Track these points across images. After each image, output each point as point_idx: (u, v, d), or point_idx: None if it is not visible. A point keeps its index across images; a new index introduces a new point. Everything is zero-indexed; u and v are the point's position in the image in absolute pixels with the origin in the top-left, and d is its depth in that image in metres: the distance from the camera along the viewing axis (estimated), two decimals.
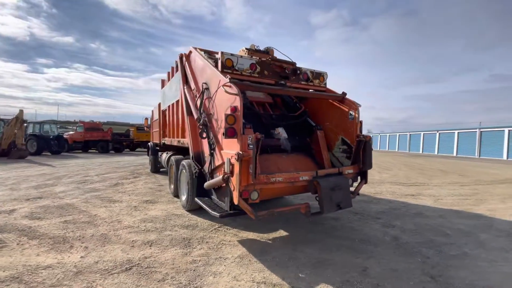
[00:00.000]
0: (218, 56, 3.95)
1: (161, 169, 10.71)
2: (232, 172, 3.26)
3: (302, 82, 4.66)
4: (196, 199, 4.32)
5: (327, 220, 4.73)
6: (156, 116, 9.33)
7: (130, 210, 5.18)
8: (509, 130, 24.60)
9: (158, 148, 10.02)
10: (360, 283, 2.68)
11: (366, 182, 4.37)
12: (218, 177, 3.46)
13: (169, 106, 6.90)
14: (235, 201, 3.12)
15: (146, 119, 12.27)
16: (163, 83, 7.96)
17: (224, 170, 3.41)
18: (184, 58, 5.46)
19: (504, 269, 3.06)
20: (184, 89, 5.20)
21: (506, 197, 7.07)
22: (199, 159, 4.61)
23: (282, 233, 4.08)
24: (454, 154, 31.93)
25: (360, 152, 4.18)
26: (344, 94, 4.63)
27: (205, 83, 4.30)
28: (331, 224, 4.53)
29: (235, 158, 3.05)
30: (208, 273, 2.85)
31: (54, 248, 3.40)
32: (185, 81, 5.34)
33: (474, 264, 3.17)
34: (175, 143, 6.22)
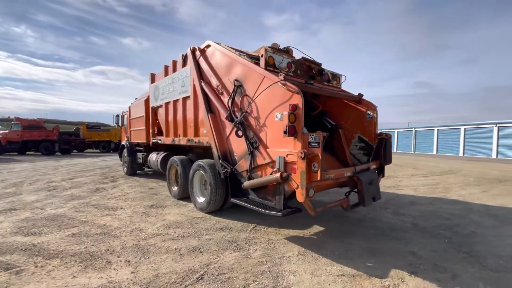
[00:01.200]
0: (262, 53, 3.86)
1: (138, 171, 9.85)
2: (289, 170, 3.28)
3: (325, 83, 4.87)
4: (232, 199, 4.15)
5: (345, 214, 5.04)
6: (138, 113, 8.50)
7: (142, 217, 4.69)
8: (437, 129, 29.33)
9: (139, 148, 9.18)
10: (421, 265, 2.99)
11: (383, 176, 4.81)
12: (272, 176, 3.42)
13: (168, 103, 6.39)
14: (300, 199, 3.14)
15: (118, 116, 11.03)
16: (153, 77, 7.32)
17: (277, 169, 3.39)
18: (197, 53, 5.16)
19: (509, 241, 3.75)
20: (201, 85, 4.92)
21: (462, 185, 8.50)
22: (226, 158, 4.45)
23: (318, 228, 4.22)
24: (395, 150, 36.57)
25: (381, 149, 4.57)
26: (361, 95, 4.98)
27: (238, 80, 4.16)
28: (354, 216, 4.86)
29: (301, 156, 3.07)
30: (285, 272, 2.82)
31: (88, 266, 2.92)
32: (200, 76, 5.05)
33: (486, 239, 3.81)
34: (182, 142, 5.80)
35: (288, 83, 3.34)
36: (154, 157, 7.42)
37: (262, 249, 3.37)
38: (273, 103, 3.57)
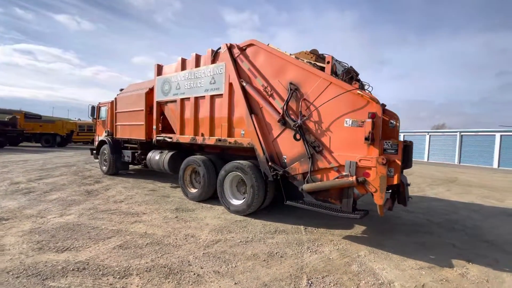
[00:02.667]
0: (328, 60, 3.97)
1: (120, 171, 8.84)
2: (361, 175, 3.49)
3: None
4: (289, 202, 4.15)
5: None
6: (131, 107, 7.63)
7: (179, 222, 4.32)
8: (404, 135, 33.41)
9: (128, 145, 8.25)
10: (468, 254, 3.52)
11: None
12: (344, 179, 3.57)
13: (185, 99, 5.94)
14: (379, 202, 3.38)
15: (94, 107, 9.55)
16: (160, 69, 6.68)
17: (348, 173, 3.57)
18: (235, 50, 4.95)
19: (505, 229, 4.65)
20: (241, 84, 4.76)
21: (429, 184, 10.00)
22: (272, 161, 4.42)
23: (359, 227, 4.53)
24: None
25: (404, 155, 5.14)
26: (384, 105, 5.50)
27: (293, 84, 4.18)
28: (377, 215, 5.33)
29: (382, 163, 3.30)
30: (375, 270, 3.01)
31: (180, 281, 2.64)
32: (238, 75, 4.88)
33: (488, 230, 4.65)
34: (208, 142, 5.45)
35: (363, 92, 3.55)
36: (158, 156, 6.79)
37: (335, 250, 3.51)
38: (342, 109, 3.73)
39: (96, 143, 9.75)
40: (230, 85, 5.03)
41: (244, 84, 4.77)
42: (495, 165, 19.10)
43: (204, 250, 3.35)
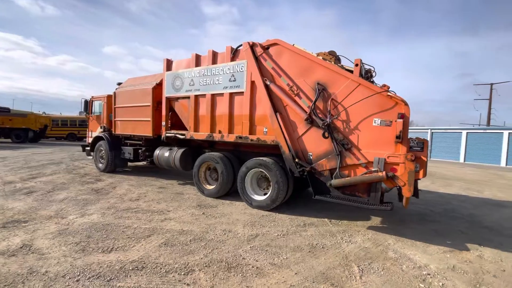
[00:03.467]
0: (357, 62, 4.21)
1: (117, 168, 8.50)
2: (389, 170, 3.81)
3: None
4: (317, 196, 4.37)
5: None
6: (134, 101, 7.34)
7: (208, 219, 4.37)
8: None
9: (130, 141, 7.96)
10: (476, 238, 4.00)
11: None
12: (374, 175, 3.86)
13: (200, 95, 5.88)
14: (408, 195, 3.71)
15: (87, 101, 8.97)
16: (169, 64, 6.52)
17: (377, 168, 3.87)
18: (258, 49, 5.02)
19: (495, 216, 5.30)
20: (265, 83, 4.87)
21: None
22: (298, 157, 4.61)
23: (376, 218, 4.88)
24: None
25: None
26: None
27: (321, 84, 4.38)
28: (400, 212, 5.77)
29: (411, 159, 3.63)
30: (409, 255, 3.34)
31: (248, 276, 2.74)
32: (261, 74, 4.97)
33: (483, 217, 5.26)
34: (227, 139, 5.47)
35: (393, 93, 3.85)
36: (167, 153, 6.66)
37: (367, 240, 3.80)
38: (370, 109, 4.00)
39: (89, 139, 9.27)
40: (252, 83, 5.11)
41: (268, 82, 4.88)
42: (462, 159, 21.06)
43: (249, 244, 3.46)
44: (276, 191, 4.82)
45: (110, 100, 8.41)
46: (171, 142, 6.84)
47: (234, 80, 5.37)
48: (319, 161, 4.43)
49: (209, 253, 3.16)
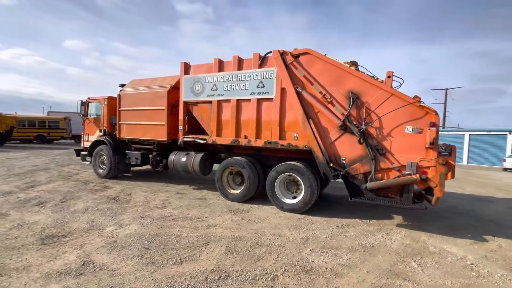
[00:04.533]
0: (389, 74, 4.57)
1: (121, 174, 8.09)
2: (420, 173, 4.22)
3: None
4: (354, 199, 4.64)
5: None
6: (144, 104, 7.04)
7: (250, 224, 4.44)
8: None
9: (137, 146, 7.61)
10: (488, 231, 4.57)
11: None
12: (409, 177, 4.23)
13: (223, 100, 5.87)
14: (439, 194, 4.13)
15: (83, 102, 8.28)
16: (187, 68, 6.39)
17: (410, 172, 4.26)
18: (288, 57, 5.18)
19: (491, 211, 6.05)
20: (297, 90, 5.05)
21: None
22: (331, 162, 4.87)
23: (397, 217, 5.29)
24: None
25: None
26: None
27: (354, 93, 4.69)
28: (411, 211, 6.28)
29: (442, 163, 4.07)
30: (447, 249, 3.75)
31: (342, 276, 2.90)
32: (292, 81, 5.15)
33: (482, 212, 5.97)
34: (255, 144, 5.53)
35: (424, 104, 4.26)
36: (184, 158, 6.51)
37: (404, 237, 4.16)
38: (402, 118, 4.39)
39: (84, 143, 8.66)
40: (283, 89, 5.26)
41: (299, 90, 5.07)
42: None
43: (306, 247, 3.62)
44: (309, 194, 5.03)
45: (112, 102, 7.98)
46: (187, 147, 6.71)
47: (263, 87, 5.48)
48: (353, 165, 4.73)
49: (277, 258, 3.26)
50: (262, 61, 5.53)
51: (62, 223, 4.13)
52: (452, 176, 4.21)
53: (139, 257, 3.13)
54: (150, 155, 7.29)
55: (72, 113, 25.24)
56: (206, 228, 4.15)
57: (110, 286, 2.56)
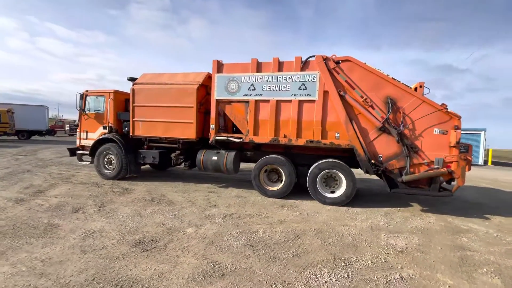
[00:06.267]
0: (421, 84, 5.38)
1: (129, 174, 7.51)
2: (445, 167, 5.18)
3: None
4: (393, 190, 5.36)
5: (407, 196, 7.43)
6: (171, 102, 6.59)
7: (313, 218, 4.83)
8: None
9: (156, 145, 7.16)
10: (493, 212, 5.81)
11: None
12: (438, 170, 5.12)
13: (261, 100, 6.00)
14: (461, 184, 5.12)
15: (82, 95, 7.17)
16: (220, 67, 6.29)
17: (437, 166, 5.17)
18: (331, 63, 5.63)
19: (477, 197, 7.54)
20: (339, 94, 5.55)
21: None
22: (372, 159, 5.53)
23: (418, 206, 6.18)
24: None
25: None
26: None
27: (392, 99, 5.40)
28: (418, 198, 7.33)
29: (464, 159, 5.05)
30: (475, 227, 4.72)
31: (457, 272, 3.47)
32: (335, 85, 5.63)
33: (471, 198, 7.41)
34: (296, 143, 5.82)
35: (449, 110, 5.19)
36: (216, 157, 6.45)
37: (437, 219, 5.05)
38: (431, 121, 5.26)
39: (81, 141, 7.73)
40: (325, 92, 5.70)
41: (342, 93, 5.59)
42: None
43: (378, 233, 4.16)
44: (351, 188, 5.63)
45: (119, 96, 7.36)
46: (217, 146, 6.66)
47: (305, 89, 5.83)
48: (390, 162, 5.47)
49: (368, 244, 3.72)
50: (304, 64, 5.87)
51: (133, 229, 3.87)
52: (469, 169, 5.26)
53: (256, 254, 3.24)
54: (172, 154, 6.98)
55: (13, 104, 21.42)
56: (279, 224, 4.37)
57: (265, 282, 2.67)
